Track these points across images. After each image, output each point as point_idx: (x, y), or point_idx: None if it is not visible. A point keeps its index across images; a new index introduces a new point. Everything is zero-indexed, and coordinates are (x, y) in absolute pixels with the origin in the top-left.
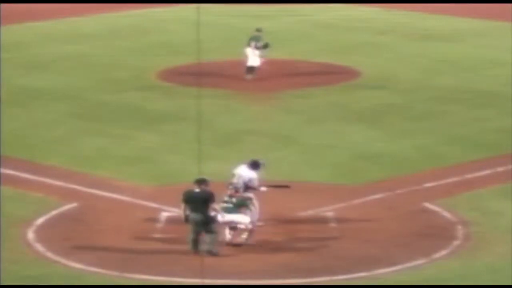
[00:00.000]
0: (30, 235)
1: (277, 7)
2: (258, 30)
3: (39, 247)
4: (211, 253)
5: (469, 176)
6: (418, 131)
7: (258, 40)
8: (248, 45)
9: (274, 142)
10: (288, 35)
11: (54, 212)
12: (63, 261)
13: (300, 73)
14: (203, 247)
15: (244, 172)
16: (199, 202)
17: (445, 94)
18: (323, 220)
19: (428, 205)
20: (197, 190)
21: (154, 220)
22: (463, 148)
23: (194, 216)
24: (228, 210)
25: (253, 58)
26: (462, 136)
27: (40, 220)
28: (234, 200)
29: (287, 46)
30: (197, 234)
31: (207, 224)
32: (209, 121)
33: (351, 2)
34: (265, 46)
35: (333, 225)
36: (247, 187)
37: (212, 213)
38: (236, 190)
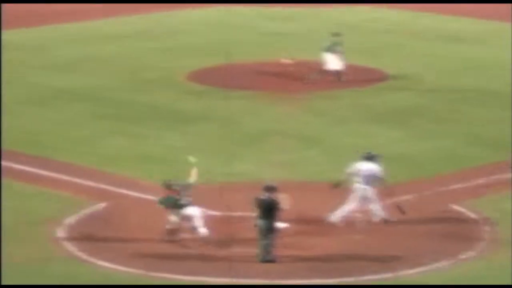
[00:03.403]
0: (59, 234)
1: (304, 9)
2: (337, 34)
3: (67, 246)
4: (265, 260)
5: (494, 177)
6: (443, 132)
7: (339, 44)
8: (330, 51)
9: (300, 142)
10: (316, 37)
11: (82, 211)
12: (91, 259)
13: (327, 75)
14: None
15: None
16: (265, 208)
17: (470, 96)
18: (349, 221)
19: (453, 206)
20: (263, 197)
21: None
22: (488, 149)
23: (259, 222)
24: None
25: (335, 62)
26: (487, 137)
27: (68, 219)
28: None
29: (314, 48)
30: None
31: (270, 231)
32: (236, 121)
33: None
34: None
35: (359, 225)
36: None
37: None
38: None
